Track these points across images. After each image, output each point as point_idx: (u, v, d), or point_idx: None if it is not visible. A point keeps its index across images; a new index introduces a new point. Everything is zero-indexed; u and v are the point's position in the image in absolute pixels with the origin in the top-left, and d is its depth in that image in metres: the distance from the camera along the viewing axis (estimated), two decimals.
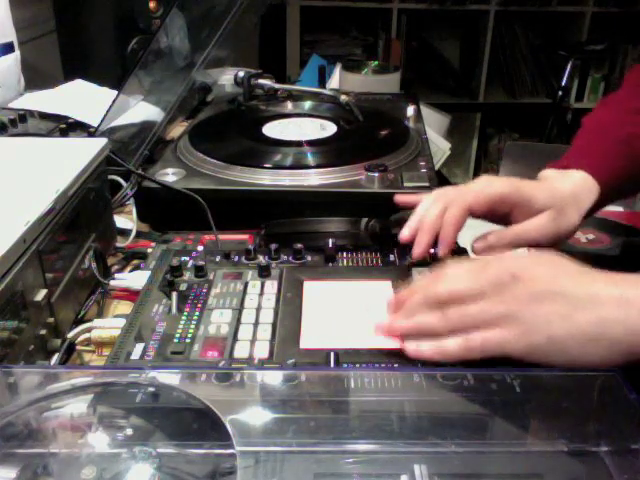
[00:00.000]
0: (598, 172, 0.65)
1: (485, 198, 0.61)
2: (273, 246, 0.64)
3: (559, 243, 0.64)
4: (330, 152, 0.88)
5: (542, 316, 0.45)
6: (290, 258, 0.64)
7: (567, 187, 0.65)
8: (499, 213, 0.63)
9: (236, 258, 0.65)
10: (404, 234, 0.61)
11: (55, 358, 0.54)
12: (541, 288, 0.46)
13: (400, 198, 0.66)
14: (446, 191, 0.63)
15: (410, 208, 0.64)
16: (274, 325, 0.54)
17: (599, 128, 0.70)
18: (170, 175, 0.81)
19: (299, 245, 0.64)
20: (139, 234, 0.77)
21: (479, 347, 0.46)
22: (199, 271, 0.61)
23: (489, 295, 0.47)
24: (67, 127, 0.98)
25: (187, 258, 0.65)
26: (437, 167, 1.34)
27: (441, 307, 0.49)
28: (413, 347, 0.50)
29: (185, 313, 0.56)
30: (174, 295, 0.58)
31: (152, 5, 1.50)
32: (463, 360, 0.48)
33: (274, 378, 0.46)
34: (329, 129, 0.97)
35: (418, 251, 0.60)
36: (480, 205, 0.61)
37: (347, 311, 0.56)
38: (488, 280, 0.48)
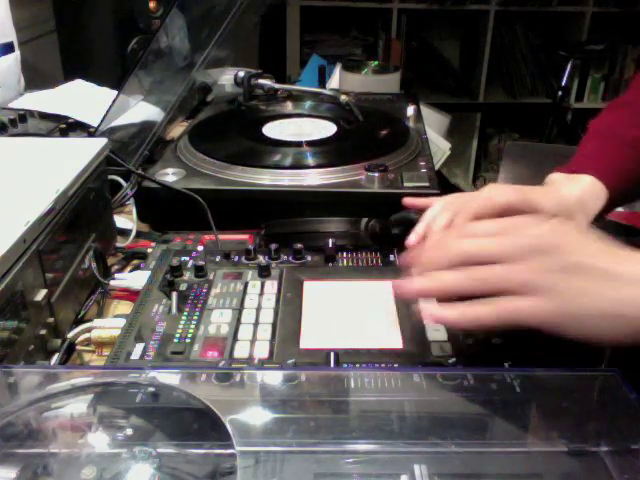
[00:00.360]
0: (606, 176, 0.65)
1: (493, 206, 0.61)
2: (273, 246, 0.64)
3: None
4: (330, 152, 0.88)
5: (573, 288, 0.43)
6: (290, 258, 0.64)
7: (574, 193, 0.65)
8: None
9: (236, 258, 0.65)
10: (411, 240, 0.60)
11: (55, 358, 0.54)
12: (574, 259, 0.44)
13: (408, 200, 0.66)
14: (454, 198, 0.63)
15: (418, 210, 0.63)
16: (274, 325, 0.54)
17: (605, 132, 0.70)
18: (170, 175, 0.81)
19: (299, 245, 0.64)
20: (139, 234, 0.77)
21: (511, 315, 0.44)
22: (199, 271, 0.61)
23: (521, 260, 0.45)
24: (67, 127, 0.98)
25: (187, 258, 0.65)
26: (437, 167, 1.34)
27: (464, 266, 0.46)
28: (436, 311, 0.47)
29: (185, 313, 0.56)
30: (174, 295, 0.58)
31: (152, 5, 1.50)
32: (489, 328, 0.46)
33: (274, 378, 0.46)
34: (329, 129, 0.97)
35: None
36: (488, 213, 0.61)
37: (347, 311, 0.56)
38: (520, 244, 0.46)
